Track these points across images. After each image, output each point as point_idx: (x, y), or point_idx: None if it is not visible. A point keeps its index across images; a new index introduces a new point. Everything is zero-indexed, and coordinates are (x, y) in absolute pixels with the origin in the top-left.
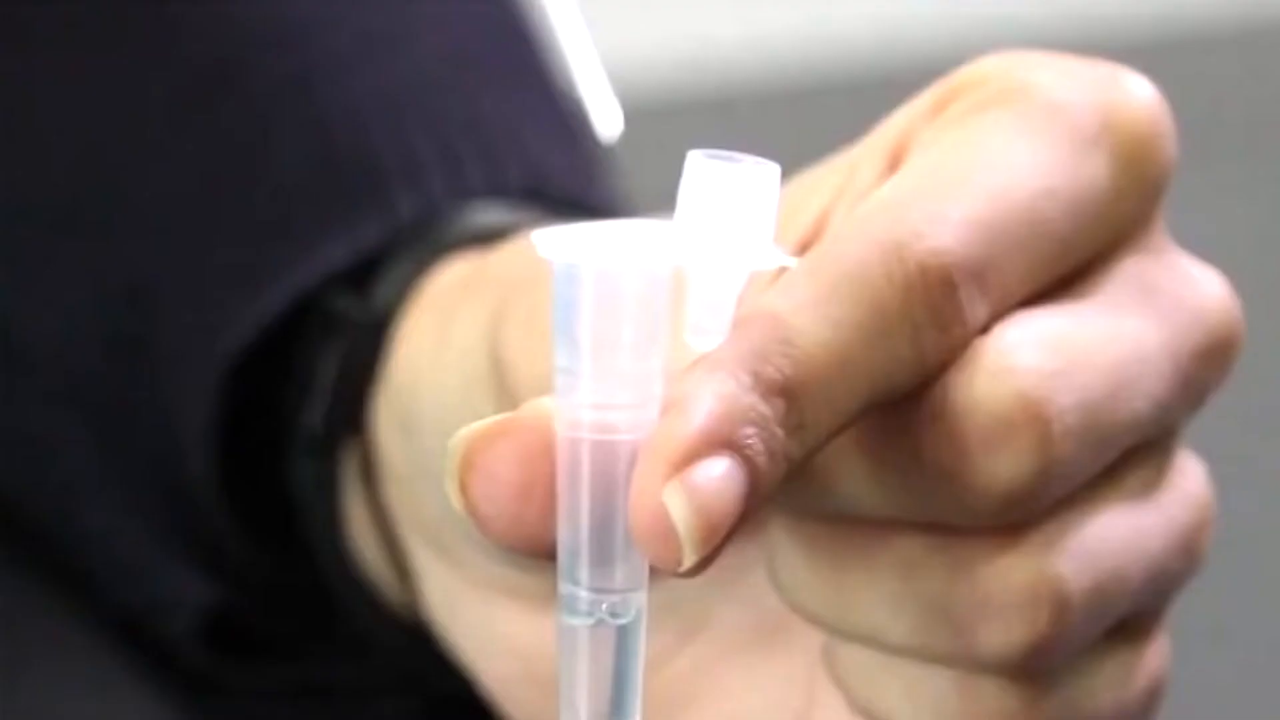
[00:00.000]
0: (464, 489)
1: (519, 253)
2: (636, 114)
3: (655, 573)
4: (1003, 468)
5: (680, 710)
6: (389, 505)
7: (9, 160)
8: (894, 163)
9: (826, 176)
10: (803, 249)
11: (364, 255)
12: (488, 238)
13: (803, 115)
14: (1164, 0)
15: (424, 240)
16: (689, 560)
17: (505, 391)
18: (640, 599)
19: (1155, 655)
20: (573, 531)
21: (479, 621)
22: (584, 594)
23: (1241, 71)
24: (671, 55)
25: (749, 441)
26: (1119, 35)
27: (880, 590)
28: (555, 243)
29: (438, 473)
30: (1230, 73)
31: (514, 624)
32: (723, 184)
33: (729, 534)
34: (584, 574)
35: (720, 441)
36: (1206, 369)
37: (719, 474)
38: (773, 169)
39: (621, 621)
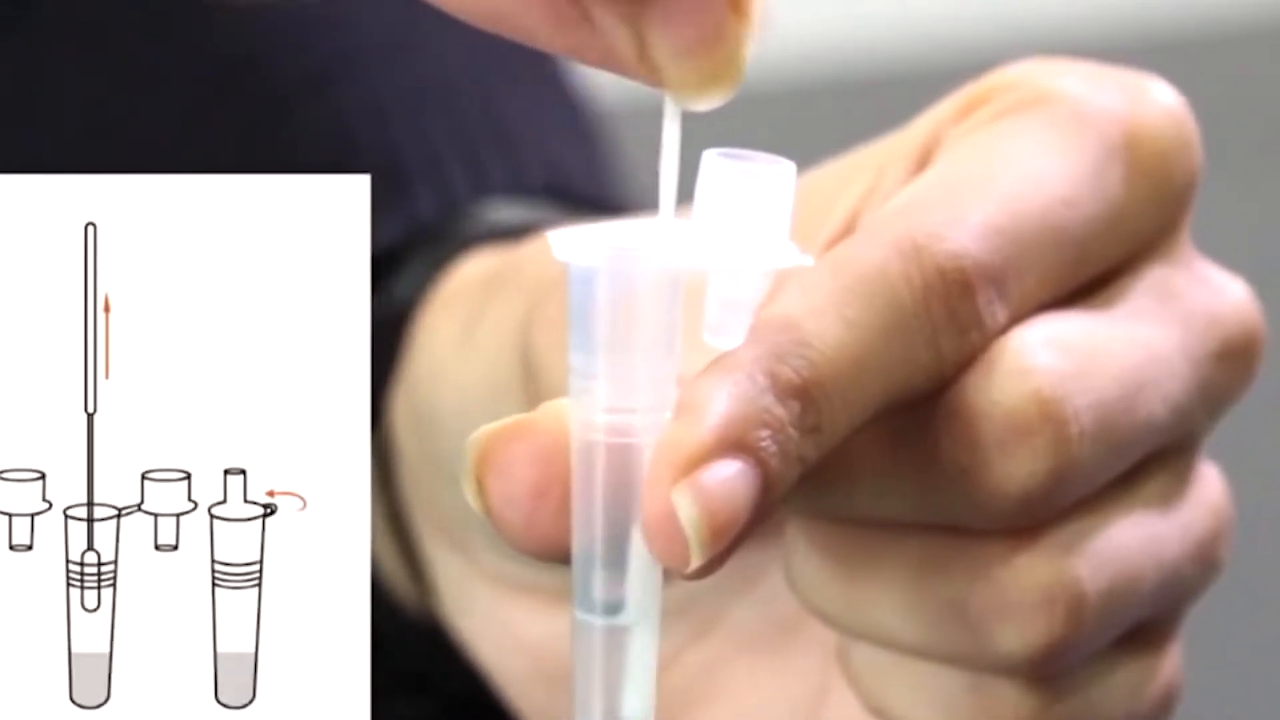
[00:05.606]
0: (481, 488)
1: (550, 252)
2: (647, 112)
3: (668, 573)
4: (1019, 468)
5: (693, 707)
6: (404, 500)
7: (31, 150)
8: (921, 165)
9: (854, 176)
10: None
11: (384, 250)
12: (508, 235)
13: (814, 112)
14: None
15: (444, 236)
16: (696, 561)
17: (536, 393)
18: (654, 599)
19: (1169, 664)
20: (587, 533)
21: (493, 617)
22: (598, 594)
23: (1264, 70)
24: None
25: (763, 444)
26: (1118, 35)
27: (895, 591)
28: (570, 245)
29: (455, 467)
30: (1253, 72)
31: (528, 620)
32: (738, 183)
33: (739, 536)
34: (598, 575)
35: (733, 443)
36: (1226, 372)
37: (729, 475)
38: (788, 167)
39: (635, 621)
